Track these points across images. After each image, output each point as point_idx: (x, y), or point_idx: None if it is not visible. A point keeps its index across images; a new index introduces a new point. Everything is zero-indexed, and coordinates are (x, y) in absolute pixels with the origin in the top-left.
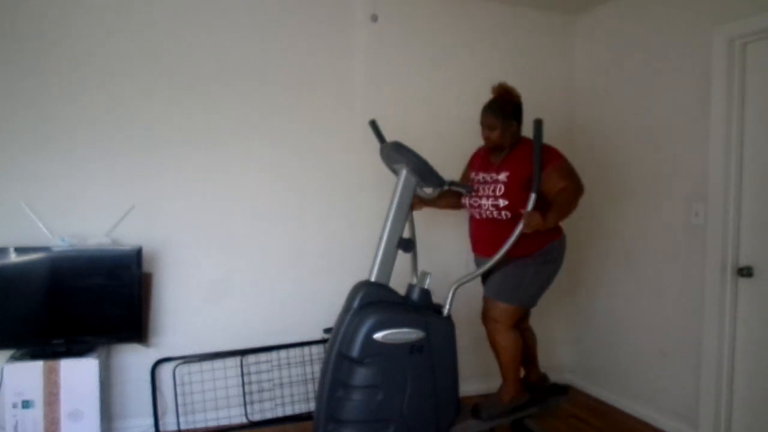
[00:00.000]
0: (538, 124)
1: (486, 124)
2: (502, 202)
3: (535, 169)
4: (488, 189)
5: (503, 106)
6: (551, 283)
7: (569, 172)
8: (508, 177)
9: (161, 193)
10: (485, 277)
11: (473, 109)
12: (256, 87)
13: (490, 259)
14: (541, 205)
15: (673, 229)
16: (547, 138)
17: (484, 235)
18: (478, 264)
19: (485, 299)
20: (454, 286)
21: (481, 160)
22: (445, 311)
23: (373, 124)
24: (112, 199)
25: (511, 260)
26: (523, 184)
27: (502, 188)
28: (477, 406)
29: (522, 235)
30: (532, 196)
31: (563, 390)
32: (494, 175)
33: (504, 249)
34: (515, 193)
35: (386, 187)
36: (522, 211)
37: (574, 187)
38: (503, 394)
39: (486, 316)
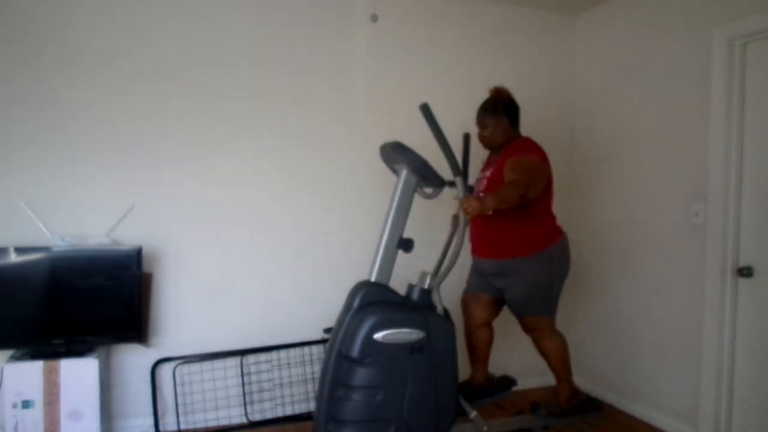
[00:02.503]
0: (424, 109)
1: (478, 123)
2: None
3: (443, 152)
4: (479, 187)
5: (493, 104)
6: (563, 287)
7: (524, 168)
8: (490, 174)
9: (161, 193)
10: (490, 279)
11: (473, 108)
12: (255, 87)
13: (483, 260)
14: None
15: (673, 229)
16: (547, 137)
17: (477, 233)
18: (476, 264)
19: (515, 314)
20: (436, 286)
21: (485, 161)
22: (439, 309)
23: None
24: (112, 199)
25: (516, 262)
26: (500, 181)
27: (485, 184)
28: (536, 403)
29: (524, 236)
30: (457, 180)
31: (601, 408)
32: (485, 174)
33: (458, 240)
34: (494, 189)
35: (386, 187)
36: (456, 199)
37: (518, 181)
38: (560, 394)
39: (525, 329)
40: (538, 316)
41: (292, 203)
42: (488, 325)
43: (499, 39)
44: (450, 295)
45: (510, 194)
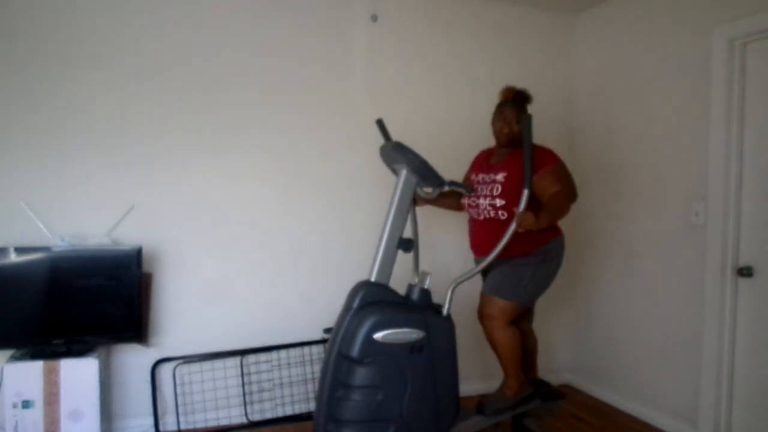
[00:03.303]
0: (527, 120)
1: (502, 118)
2: (498, 202)
3: (525, 165)
4: (486, 189)
5: (522, 101)
6: (550, 284)
7: (563, 177)
8: (505, 177)
9: (161, 193)
10: (484, 275)
11: (473, 108)
12: (256, 88)
13: (484, 258)
14: (535, 207)
15: (673, 229)
16: (547, 137)
17: (483, 235)
18: (477, 265)
19: (483, 296)
20: (452, 286)
21: (481, 163)
22: (445, 311)
23: (380, 123)
24: (112, 199)
25: (509, 258)
26: (519, 184)
27: (500, 188)
28: (481, 403)
29: (520, 234)
30: (524, 194)
31: (561, 395)
32: (492, 176)
33: (498, 247)
34: (512, 194)
35: (386, 187)
36: (514, 209)
37: (566, 192)
38: (506, 389)
39: (482, 314)
40: (504, 300)
41: (292, 203)
42: (520, 328)
43: (499, 39)
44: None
45: (562, 210)
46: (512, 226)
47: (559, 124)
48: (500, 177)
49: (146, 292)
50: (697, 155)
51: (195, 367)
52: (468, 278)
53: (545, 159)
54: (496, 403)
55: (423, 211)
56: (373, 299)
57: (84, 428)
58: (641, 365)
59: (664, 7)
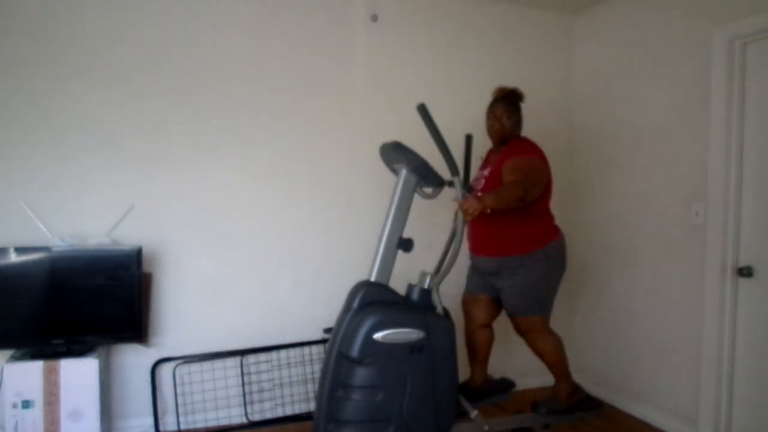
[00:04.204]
0: (421, 109)
1: (493, 114)
2: None
3: (441, 152)
4: (477, 186)
5: (515, 98)
6: (559, 286)
7: (528, 169)
8: (489, 172)
9: (161, 193)
10: (480, 276)
11: (472, 108)
12: (255, 88)
13: (481, 258)
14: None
15: (673, 229)
16: (547, 137)
17: (474, 231)
18: (474, 263)
19: (510, 316)
20: (436, 287)
21: (483, 160)
22: (439, 309)
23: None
24: (112, 199)
25: (514, 259)
26: (498, 179)
27: (483, 183)
28: (536, 402)
29: (522, 234)
30: (455, 180)
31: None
32: (483, 172)
33: (456, 240)
34: (493, 188)
35: (386, 188)
36: (454, 200)
37: (522, 183)
38: (560, 392)
39: (518, 330)
40: (533, 316)
41: (291, 203)
42: (488, 326)
43: (498, 38)
44: (450, 295)
45: (509, 195)
46: (460, 216)
47: (559, 123)
48: (486, 173)
49: (146, 292)
50: (697, 155)
51: (195, 367)
52: (446, 273)
53: (523, 150)
54: (551, 404)
55: (423, 211)
56: (373, 299)
57: (84, 428)
58: (641, 365)
59: (664, 7)
